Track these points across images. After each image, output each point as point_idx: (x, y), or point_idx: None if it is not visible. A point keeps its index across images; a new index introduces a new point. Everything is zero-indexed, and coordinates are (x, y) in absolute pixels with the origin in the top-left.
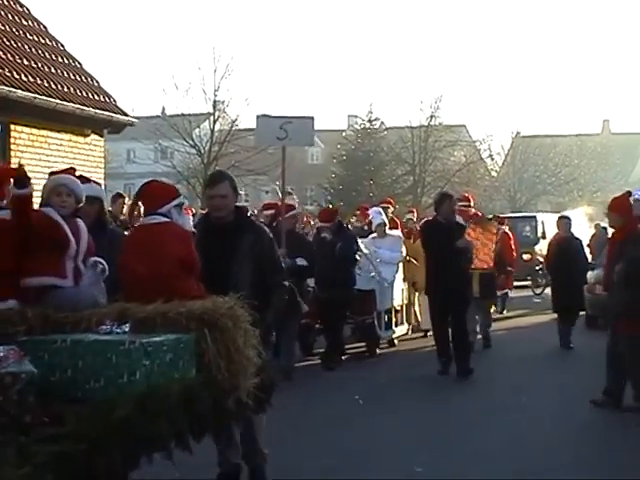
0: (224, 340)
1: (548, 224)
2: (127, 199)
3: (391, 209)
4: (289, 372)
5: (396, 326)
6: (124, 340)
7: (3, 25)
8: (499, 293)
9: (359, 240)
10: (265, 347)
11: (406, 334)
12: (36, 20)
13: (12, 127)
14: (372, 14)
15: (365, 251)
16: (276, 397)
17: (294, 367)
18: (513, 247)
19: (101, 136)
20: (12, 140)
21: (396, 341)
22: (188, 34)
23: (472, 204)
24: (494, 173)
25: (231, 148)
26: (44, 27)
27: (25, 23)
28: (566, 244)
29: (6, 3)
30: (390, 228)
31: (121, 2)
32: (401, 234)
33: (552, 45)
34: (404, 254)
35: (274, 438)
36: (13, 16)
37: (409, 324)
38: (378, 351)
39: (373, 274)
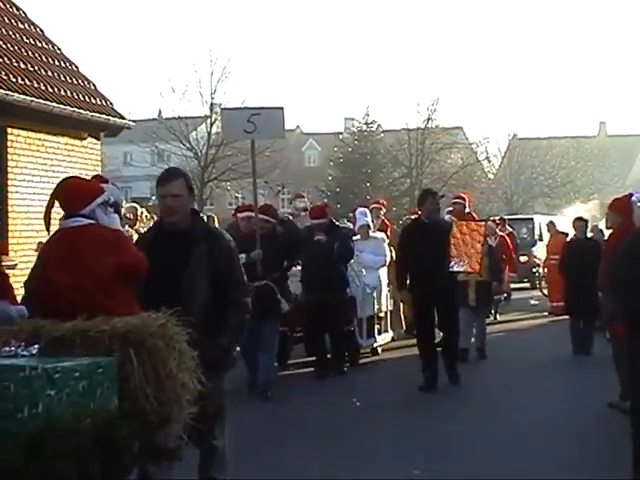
0: (153, 363)
1: (545, 226)
2: (124, 202)
3: (383, 211)
4: (266, 391)
5: (379, 334)
6: (25, 365)
7: None
8: (495, 298)
9: None
10: (219, 371)
11: (390, 342)
12: (32, 23)
13: (9, 130)
14: (369, 17)
15: None
16: (269, 406)
17: (272, 384)
18: (511, 251)
19: (98, 139)
20: (9, 144)
21: (379, 349)
22: (184, 37)
23: (467, 203)
24: (491, 175)
25: (228, 151)
26: (41, 30)
27: (21, 26)
28: (582, 247)
29: (2, 6)
30: (380, 230)
31: (117, 5)
32: (385, 236)
33: (548, 47)
34: (388, 257)
35: (271, 444)
36: (9, 19)
37: (394, 331)
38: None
39: (354, 279)
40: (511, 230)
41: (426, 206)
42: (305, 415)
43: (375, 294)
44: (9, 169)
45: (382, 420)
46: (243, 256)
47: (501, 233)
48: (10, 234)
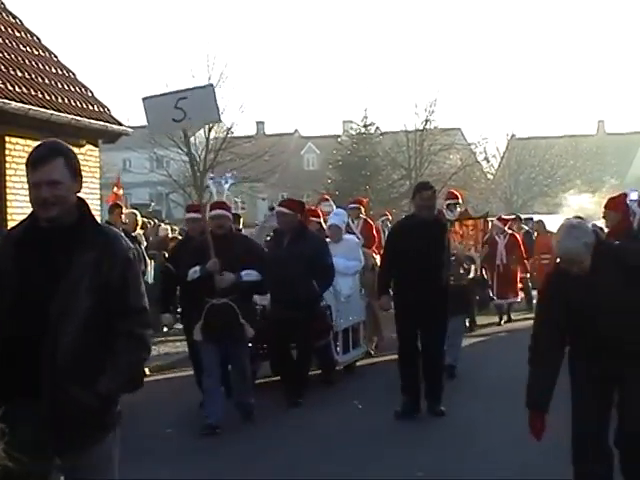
0: None
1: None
2: (124, 209)
3: (363, 210)
4: (249, 411)
5: (354, 348)
6: None
7: None
8: (508, 301)
9: None
10: (97, 432)
11: (364, 357)
12: (29, 31)
13: (7, 139)
14: (366, 19)
15: None
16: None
17: (253, 404)
18: (523, 250)
19: (96, 146)
20: (7, 152)
21: (355, 365)
22: (181, 42)
23: (460, 201)
24: (490, 176)
25: (227, 156)
26: (37, 38)
27: (18, 34)
28: None
29: None
30: (362, 232)
31: (114, 12)
32: (357, 239)
33: (546, 47)
34: (363, 262)
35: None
36: (6, 28)
37: (373, 346)
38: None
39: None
40: (527, 228)
41: (415, 201)
42: (303, 423)
43: (350, 303)
44: (7, 177)
45: (380, 421)
46: (197, 269)
47: (510, 231)
48: None
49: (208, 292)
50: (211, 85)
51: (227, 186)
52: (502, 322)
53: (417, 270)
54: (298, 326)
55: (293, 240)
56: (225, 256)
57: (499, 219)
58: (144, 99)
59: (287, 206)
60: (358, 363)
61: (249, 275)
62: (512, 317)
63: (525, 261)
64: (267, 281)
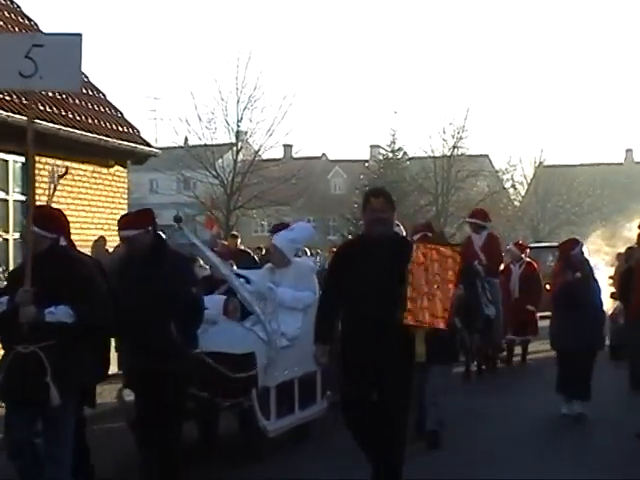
0: None
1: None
2: None
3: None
4: None
5: (302, 409)
6: None
7: None
8: (519, 339)
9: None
10: None
11: (323, 415)
12: None
13: (36, 158)
14: (394, 45)
15: (239, 287)
16: None
17: None
18: (541, 281)
19: (124, 167)
20: (36, 172)
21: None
22: (211, 65)
23: (487, 223)
24: (517, 203)
25: (254, 179)
26: None
27: None
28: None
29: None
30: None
31: (144, 34)
32: (313, 263)
33: (575, 75)
34: (317, 293)
35: None
36: None
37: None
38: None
39: (252, 326)
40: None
41: (365, 214)
42: None
43: (297, 348)
44: (36, 197)
45: None
46: (3, 300)
47: (528, 259)
48: None
49: (15, 335)
50: (79, 35)
51: None
52: (512, 360)
53: (372, 305)
54: (158, 380)
55: (145, 263)
56: (40, 283)
57: (516, 244)
58: None
59: (130, 224)
60: None
61: (52, 314)
62: (527, 359)
63: (538, 295)
64: (98, 322)
